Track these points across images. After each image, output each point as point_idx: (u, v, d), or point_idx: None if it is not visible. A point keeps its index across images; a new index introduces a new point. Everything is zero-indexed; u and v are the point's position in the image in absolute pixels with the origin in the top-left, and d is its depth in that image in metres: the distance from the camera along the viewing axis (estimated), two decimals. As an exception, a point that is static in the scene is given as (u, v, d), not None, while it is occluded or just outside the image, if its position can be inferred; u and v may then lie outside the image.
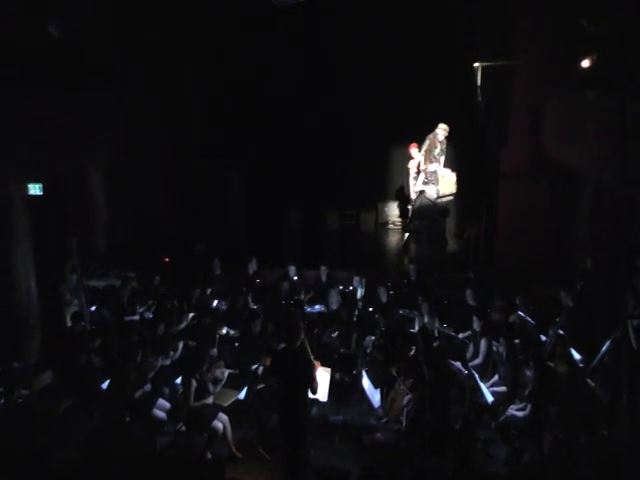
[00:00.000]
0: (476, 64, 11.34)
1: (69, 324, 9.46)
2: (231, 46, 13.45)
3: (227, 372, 8.38)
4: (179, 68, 13.00)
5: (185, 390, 7.52)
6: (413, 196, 13.03)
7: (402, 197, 14.09)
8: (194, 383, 7.42)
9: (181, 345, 8.85)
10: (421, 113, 12.97)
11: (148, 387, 7.91)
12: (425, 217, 12.73)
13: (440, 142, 12.64)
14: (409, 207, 13.55)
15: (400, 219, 14.88)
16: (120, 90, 12.22)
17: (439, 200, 12.46)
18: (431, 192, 12.55)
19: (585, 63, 9.70)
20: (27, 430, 7.35)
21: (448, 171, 12.88)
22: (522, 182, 12.15)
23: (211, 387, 7.68)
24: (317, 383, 6.60)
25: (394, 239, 14.68)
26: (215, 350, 8.62)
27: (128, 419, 7.81)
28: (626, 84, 5.78)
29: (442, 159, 12.81)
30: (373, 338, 9.29)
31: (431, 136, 12.67)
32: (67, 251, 9.76)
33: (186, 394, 7.45)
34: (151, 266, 11.70)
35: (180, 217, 13.98)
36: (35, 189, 9.87)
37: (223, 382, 8.14)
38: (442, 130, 12.55)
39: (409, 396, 7.66)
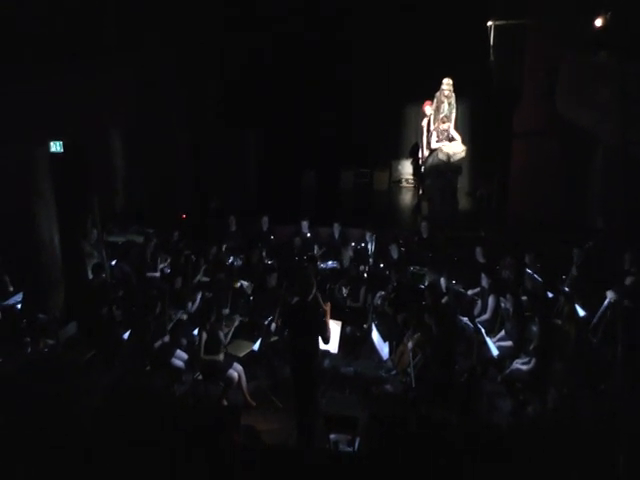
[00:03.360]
0: (489, 22, 11.26)
1: (90, 277, 9.80)
2: (247, 12, 13.46)
3: (238, 319, 8.66)
4: (196, 33, 13.02)
5: (198, 341, 7.86)
6: (425, 154, 13.10)
7: (415, 155, 14.16)
8: (204, 335, 7.74)
9: (199, 297, 9.18)
10: (434, 71, 12.92)
11: (167, 338, 8.25)
12: (438, 176, 12.80)
13: (446, 97, 12.52)
14: (421, 165, 13.64)
15: (413, 177, 14.98)
16: (139, 54, 12.32)
17: (451, 160, 12.49)
18: (444, 151, 12.58)
19: (598, 23, 9.64)
20: (53, 378, 7.72)
21: (459, 138, 12.84)
22: (534, 141, 12.19)
23: (222, 337, 7.96)
24: (329, 332, 6.84)
25: (407, 197, 14.81)
26: (227, 310, 8.89)
27: (148, 368, 8.18)
28: (626, 43, 5.82)
29: (453, 116, 12.76)
30: (383, 293, 9.53)
31: (438, 93, 12.65)
32: (88, 207, 10.03)
33: (198, 345, 7.80)
34: (168, 222, 11.97)
35: (197, 175, 14.17)
36: (56, 146, 10.10)
37: (233, 328, 8.41)
38: (446, 85, 12.44)
39: (410, 343, 7.90)
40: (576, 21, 10.66)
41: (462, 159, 12.68)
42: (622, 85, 5.34)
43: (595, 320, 8.31)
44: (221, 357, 7.82)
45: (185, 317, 8.85)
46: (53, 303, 9.53)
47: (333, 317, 7.83)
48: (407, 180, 15.32)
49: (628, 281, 8.17)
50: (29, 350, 8.21)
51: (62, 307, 9.61)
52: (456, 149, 12.51)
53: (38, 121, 9.00)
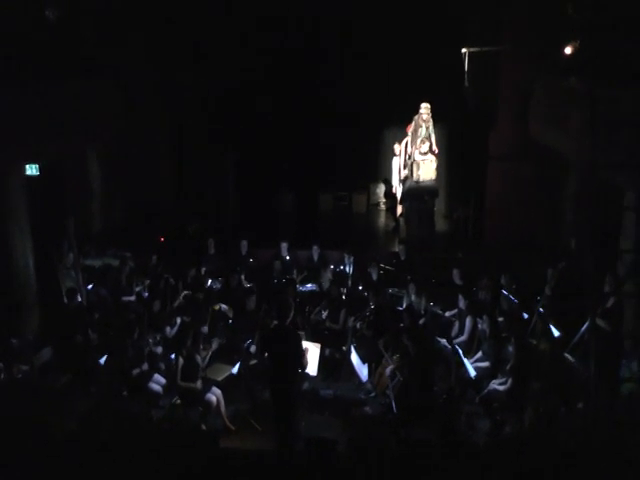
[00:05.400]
0: (464, 49, 11.53)
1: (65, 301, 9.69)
2: (227, 33, 13.63)
3: (217, 342, 8.64)
4: (177, 54, 13.11)
5: (175, 367, 7.80)
6: (403, 174, 13.35)
7: (389, 178, 14.41)
8: (181, 361, 7.68)
9: (178, 321, 9.12)
10: (411, 96, 13.18)
11: (144, 363, 8.17)
12: (414, 199, 13.01)
13: (424, 121, 12.86)
14: (394, 188, 13.91)
15: (385, 200, 15.13)
16: (118, 75, 12.36)
17: (423, 184, 12.78)
18: (417, 174, 12.88)
19: (569, 50, 9.93)
20: (27, 404, 7.60)
21: (432, 157, 13.11)
22: (509, 165, 12.42)
23: (200, 361, 7.90)
24: (307, 360, 6.89)
25: (385, 220, 14.93)
26: (206, 328, 8.86)
27: (125, 393, 8.09)
28: (596, 70, 6.05)
29: (433, 139, 13.06)
30: (362, 315, 9.55)
31: (416, 116, 12.95)
32: (64, 230, 9.96)
33: (175, 371, 7.74)
34: (146, 246, 11.91)
35: (175, 198, 14.16)
36: (32, 169, 10.05)
37: (210, 352, 8.40)
38: (424, 108, 12.81)
39: (390, 367, 7.93)
40: (547, 48, 10.94)
41: (437, 184, 12.94)
42: (592, 110, 5.53)
43: (576, 340, 8.41)
44: (199, 384, 7.74)
45: (160, 346, 8.78)
46: (27, 328, 9.41)
47: (312, 340, 7.88)
48: (385, 203, 15.46)
49: (609, 303, 8.27)
50: (2, 376, 8.07)
51: (36, 332, 9.48)
52: (425, 175, 12.81)
53: (13, 143, 8.95)
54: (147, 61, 12.89)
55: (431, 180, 12.90)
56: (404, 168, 13.42)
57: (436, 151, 13.05)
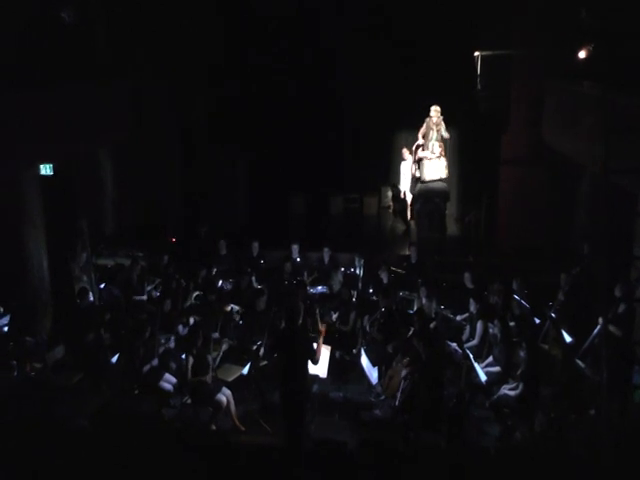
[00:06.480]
0: (476, 53, 11.53)
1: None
2: (237, 33, 13.69)
3: (227, 343, 8.70)
4: (187, 53, 13.18)
5: (185, 366, 7.87)
6: (416, 174, 13.39)
7: (398, 183, 14.44)
8: (191, 360, 7.73)
9: (192, 321, 9.18)
10: (423, 99, 13.19)
11: (155, 361, 8.22)
12: (425, 201, 13.01)
13: (435, 124, 12.88)
14: (402, 193, 13.91)
15: (392, 202, 15.14)
16: (130, 75, 12.44)
17: (433, 184, 12.79)
18: (426, 175, 12.90)
19: (582, 54, 9.90)
20: (40, 401, 7.67)
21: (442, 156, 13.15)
22: (521, 169, 12.40)
23: (210, 361, 7.94)
24: (319, 354, 6.90)
25: (396, 222, 14.93)
26: (217, 334, 8.89)
27: (136, 392, 8.14)
28: (609, 74, 6.05)
29: (446, 139, 13.09)
30: (372, 318, 9.55)
31: (427, 119, 12.97)
32: (78, 230, 10.05)
33: (185, 369, 7.81)
34: (158, 246, 11.99)
35: (187, 199, 14.24)
36: (46, 169, 10.14)
37: (221, 353, 8.45)
38: (434, 111, 12.85)
39: (404, 371, 7.94)
40: (560, 52, 10.93)
41: (447, 186, 12.94)
42: (604, 114, 5.53)
43: (586, 345, 8.38)
44: (208, 378, 7.79)
45: (173, 342, 8.83)
46: (40, 326, 9.47)
47: (323, 342, 7.88)
48: (394, 206, 15.45)
49: (621, 309, 8.24)
50: (15, 374, 8.15)
51: (49, 330, 9.55)
52: (434, 175, 12.82)
53: (27, 144, 9.03)
54: (159, 63, 12.93)
55: (440, 180, 12.89)
56: (415, 170, 13.45)
57: (447, 136, 13.05)
